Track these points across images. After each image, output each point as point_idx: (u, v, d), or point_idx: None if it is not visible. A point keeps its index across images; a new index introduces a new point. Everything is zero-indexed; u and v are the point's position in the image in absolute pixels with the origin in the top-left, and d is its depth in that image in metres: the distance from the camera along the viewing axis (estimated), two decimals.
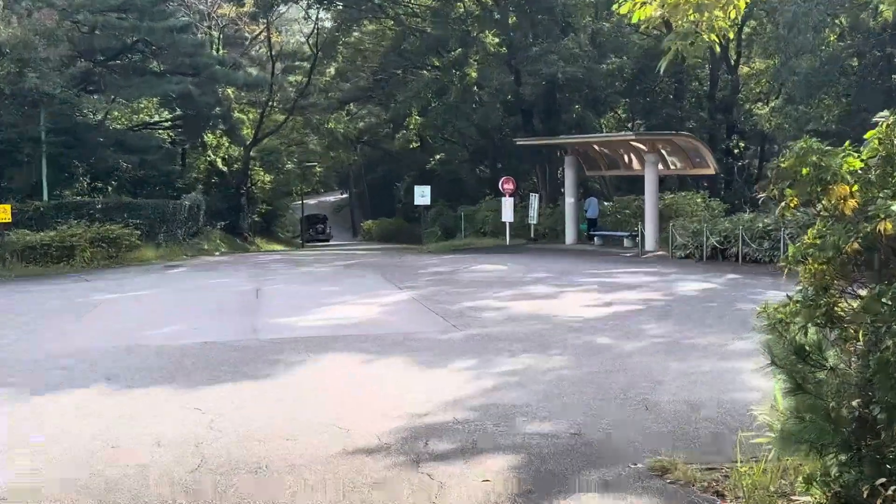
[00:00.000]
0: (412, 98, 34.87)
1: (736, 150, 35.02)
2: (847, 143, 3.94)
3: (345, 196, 79.33)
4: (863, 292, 3.74)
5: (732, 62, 33.01)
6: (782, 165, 3.90)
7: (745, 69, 35.12)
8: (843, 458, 3.64)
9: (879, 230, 3.56)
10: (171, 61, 30.86)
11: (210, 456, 5.32)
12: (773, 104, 31.28)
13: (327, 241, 56.17)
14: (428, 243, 32.22)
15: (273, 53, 41.17)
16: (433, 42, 34.58)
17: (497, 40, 34.07)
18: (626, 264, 19.19)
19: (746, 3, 5.87)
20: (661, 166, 25.18)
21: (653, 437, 5.58)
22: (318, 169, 60.24)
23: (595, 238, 26.69)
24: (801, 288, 3.87)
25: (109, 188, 30.93)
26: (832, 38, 26.68)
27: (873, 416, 3.53)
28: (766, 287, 13.60)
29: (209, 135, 37.91)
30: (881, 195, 3.70)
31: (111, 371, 8.04)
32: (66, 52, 27.07)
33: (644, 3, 5.82)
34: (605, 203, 29.97)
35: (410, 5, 36.81)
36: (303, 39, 45.51)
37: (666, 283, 15.11)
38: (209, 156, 38.55)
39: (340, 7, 36.67)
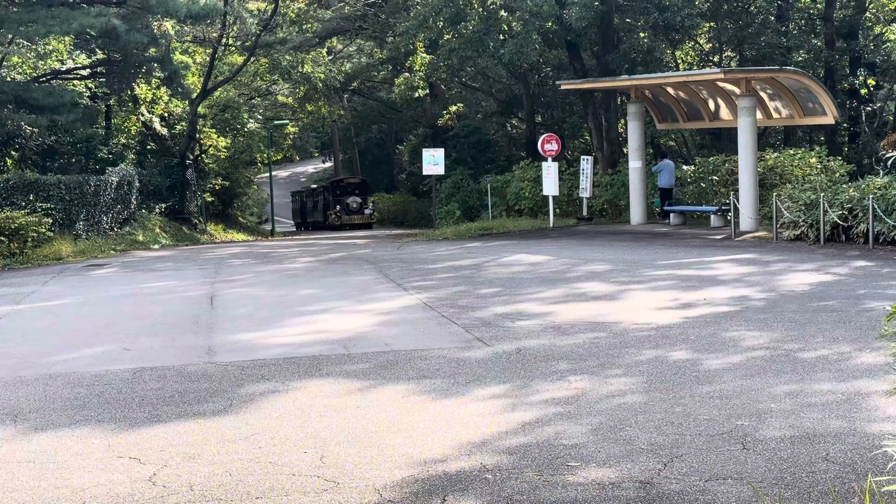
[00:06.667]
0: (417, 28, 34.79)
1: (864, 91, 34.78)
2: None
3: (328, 165, 79.72)
4: None
5: None
6: None
7: None
8: None
9: None
10: None
11: None
12: None
13: (369, 225, 48.53)
14: (442, 227, 32.27)
15: None
16: None
17: None
18: (713, 250, 19.16)
19: None
20: (759, 115, 25.03)
21: (752, 485, 5.60)
22: (292, 128, 60.37)
23: (671, 215, 26.65)
24: None
25: (8, 161, 31.14)
26: None
27: None
28: None
29: (142, 86, 38.05)
30: None
31: (16, 407, 8.14)
32: None
33: None
34: (685, 167, 29.89)
35: None
36: None
37: (768, 275, 15.10)
38: (142, 114, 38.72)
39: None
